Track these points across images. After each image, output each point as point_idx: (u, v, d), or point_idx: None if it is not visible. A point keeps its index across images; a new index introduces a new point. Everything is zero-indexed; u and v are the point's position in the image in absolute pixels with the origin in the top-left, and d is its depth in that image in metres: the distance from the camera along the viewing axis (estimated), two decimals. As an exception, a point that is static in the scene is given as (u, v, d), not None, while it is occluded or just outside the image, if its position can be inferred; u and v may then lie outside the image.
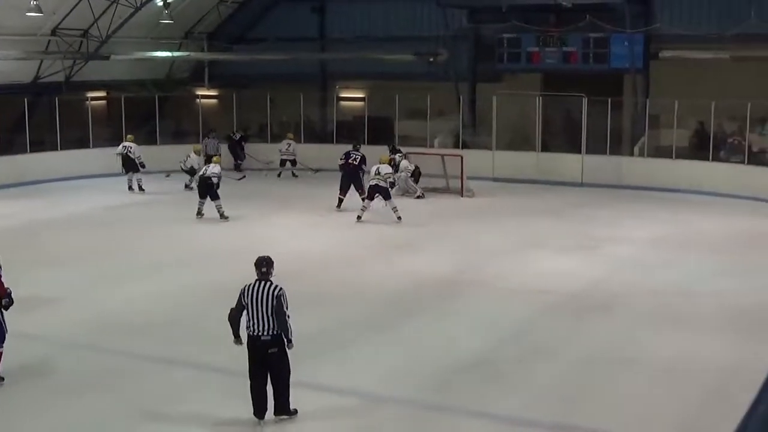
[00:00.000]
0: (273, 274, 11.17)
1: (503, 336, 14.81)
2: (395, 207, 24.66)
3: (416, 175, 29.31)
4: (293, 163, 33.52)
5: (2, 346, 12.43)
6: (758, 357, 13.53)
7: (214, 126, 34.37)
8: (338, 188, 26.36)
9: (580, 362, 13.67)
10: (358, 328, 15.05)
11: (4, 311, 12.42)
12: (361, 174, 26.47)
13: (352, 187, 26.09)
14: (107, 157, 31.68)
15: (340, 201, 26.28)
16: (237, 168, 33.75)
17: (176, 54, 38.07)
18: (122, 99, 33.60)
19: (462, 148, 32.37)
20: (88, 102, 33.69)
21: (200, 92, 38.50)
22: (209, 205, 24.81)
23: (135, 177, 29.90)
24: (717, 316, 15.82)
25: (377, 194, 24.69)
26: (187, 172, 29.06)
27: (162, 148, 33.71)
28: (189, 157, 28.84)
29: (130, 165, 29.86)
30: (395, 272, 19.05)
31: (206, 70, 39.99)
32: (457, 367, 13.16)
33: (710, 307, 16.42)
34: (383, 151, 28.80)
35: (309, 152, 33.94)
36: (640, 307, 16.49)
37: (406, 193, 28.55)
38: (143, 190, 29.81)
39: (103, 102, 36.66)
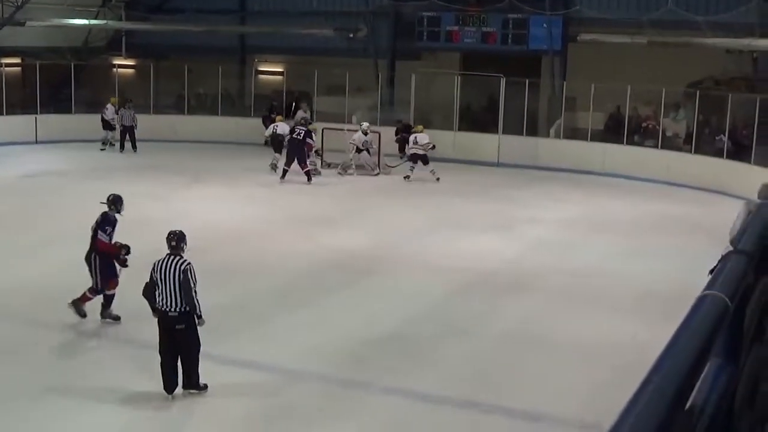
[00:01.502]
0: (185, 249, 11.11)
1: (419, 313, 14.89)
2: (433, 170, 27.66)
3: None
4: None
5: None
6: (668, 337, 13.75)
7: (131, 96, 33.83)
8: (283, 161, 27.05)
9: (493, 340, 13.82)
10: (275, 303, 15.04)
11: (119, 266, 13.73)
12: (305, 148, 26.64)
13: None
14: (21, 124, 31.40)
15: (284, 172, 26.67)
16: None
17: (93, 22, 37.41)
18: (37, 66, 32.96)
19: (380, 125, 32.34)
20: (2, 68, 32.97)
21: (117, 61, 37.96)
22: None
23: (109, 135, 31.98)
24: (628, 297, 16.08)
25: (418, 160, 27.75)
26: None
27: (77, 117, 33.29)
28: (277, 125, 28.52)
29: (104, 124, 32.02)
30: (313, 248, 19.01)
31: (123, 39, 39.49)
32: (373, 343, 13.22)
33: (622, 288, 16.68)
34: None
35: (227, 125, 33.77)
36: (554, 287, 16.70)
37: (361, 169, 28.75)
38: (104, 146, 32.18)
39: (18, 69, 36.01)
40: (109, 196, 14.04)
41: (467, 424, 11.00)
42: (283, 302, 15.09)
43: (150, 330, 11.31)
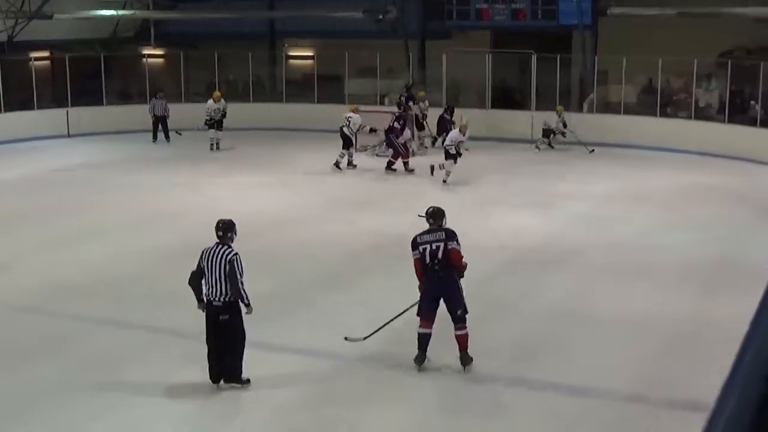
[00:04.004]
0: (233, 238, 11.05)
1: (460, 292, 14.86)
2: (447, 170, 24.20)
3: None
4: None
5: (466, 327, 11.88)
6: (713, 309, 13.75)
7: (162, 86, 33.87)
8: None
9: (538, 317, 13.81)
10: (316, 289, 15.03)
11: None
12: (393, 136, 25.91)
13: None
14: (53, 118, 31.50)
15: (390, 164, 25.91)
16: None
17: (121, 12, 37.39)
18: (66, 59, 33.01)
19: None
20: (31, 62, 33.05)
21: (147, 51, 37.96)
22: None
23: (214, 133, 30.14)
24: (671, 270, 16.02)
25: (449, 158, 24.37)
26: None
27: (109, 109, 33.39)
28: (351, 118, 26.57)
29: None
30: (352, 230, 19.02)
31: (152, 28, 39.51)
32: (415, 323, 13.17)
33: (664, 260, 16.62)
34: (337, 109, 28.44)
35: (259, 112, 33.73)
36: (596, 261, 16.67)
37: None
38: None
39: (47, 62, 36.11)
40: (428, 209, 12.18)
41: (515, 400, 10.96)
42: (324, 287, 15.08)
43: (195, 319, 11.34)
